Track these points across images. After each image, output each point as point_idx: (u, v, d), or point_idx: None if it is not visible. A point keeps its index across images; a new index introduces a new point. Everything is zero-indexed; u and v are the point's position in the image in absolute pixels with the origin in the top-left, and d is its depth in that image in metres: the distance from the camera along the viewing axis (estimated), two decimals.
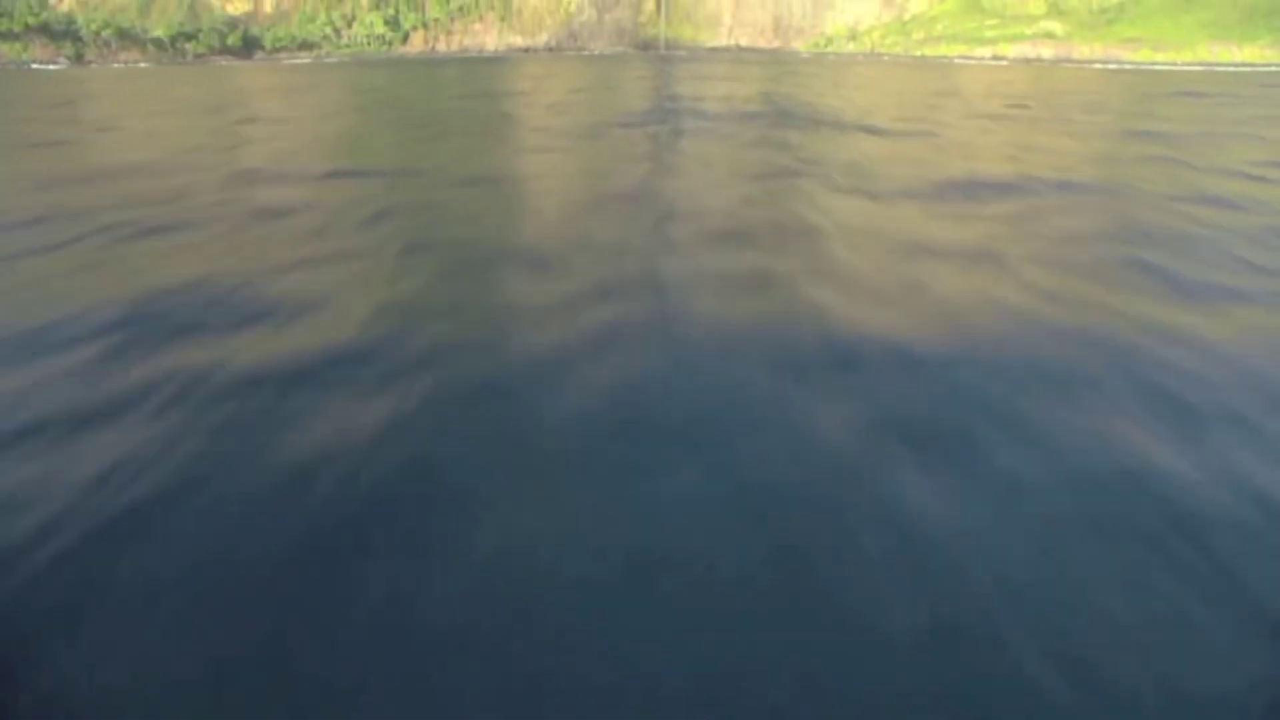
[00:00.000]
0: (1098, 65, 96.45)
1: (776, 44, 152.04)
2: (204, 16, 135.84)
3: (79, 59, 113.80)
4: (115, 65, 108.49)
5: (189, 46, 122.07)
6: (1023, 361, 5.96)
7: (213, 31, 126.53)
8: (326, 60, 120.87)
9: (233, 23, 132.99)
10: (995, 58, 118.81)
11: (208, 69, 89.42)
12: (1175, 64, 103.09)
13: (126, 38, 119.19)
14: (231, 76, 63.26)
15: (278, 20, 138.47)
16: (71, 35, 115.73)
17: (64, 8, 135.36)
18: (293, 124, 24.28)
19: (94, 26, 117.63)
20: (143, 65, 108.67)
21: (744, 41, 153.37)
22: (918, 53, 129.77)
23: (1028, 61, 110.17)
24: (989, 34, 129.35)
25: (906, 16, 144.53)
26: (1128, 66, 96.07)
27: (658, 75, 53.08)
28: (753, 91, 37.19)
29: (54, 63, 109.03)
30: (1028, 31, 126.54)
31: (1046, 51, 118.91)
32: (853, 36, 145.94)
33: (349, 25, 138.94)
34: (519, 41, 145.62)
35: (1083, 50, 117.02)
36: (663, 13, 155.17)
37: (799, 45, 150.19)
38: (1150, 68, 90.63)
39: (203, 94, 39.58)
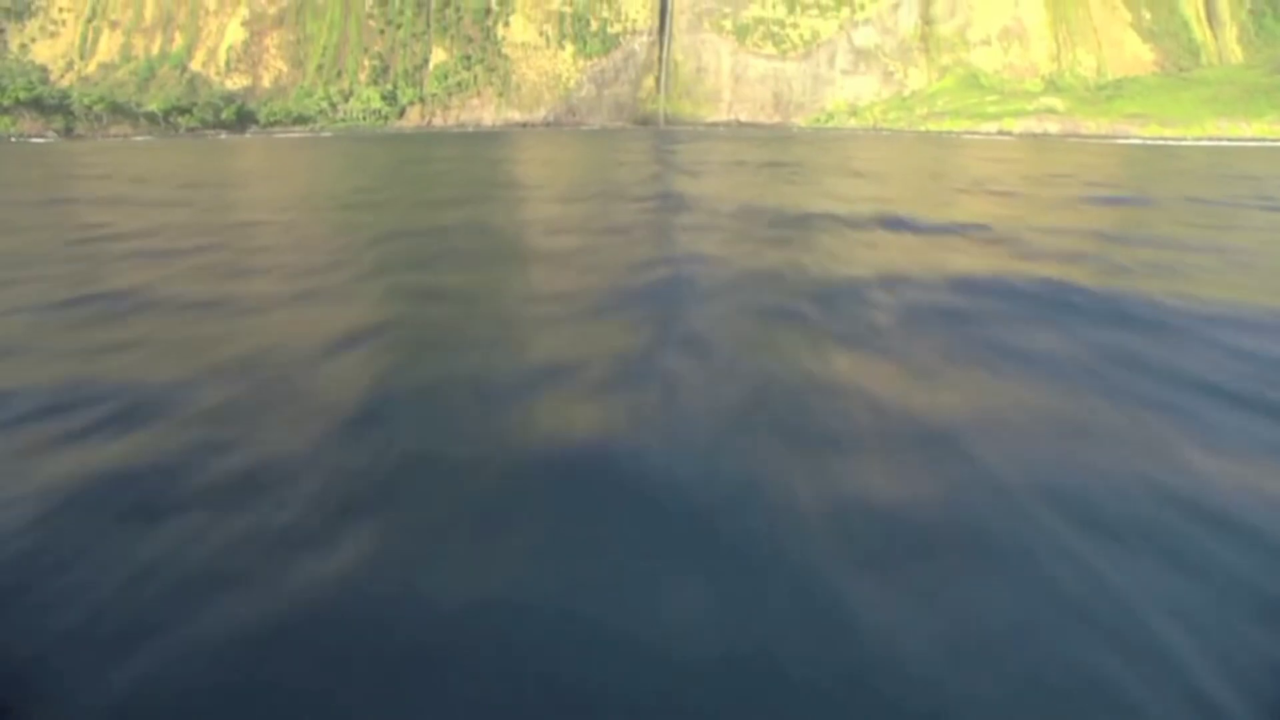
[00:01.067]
0: (1118, 141, 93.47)
1: (777, 119, 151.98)
2: (202, 91, 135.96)
3: (68, 132, 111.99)
4: (107, 139, 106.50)
5: (181, 120, 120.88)
6: None
7: (208, 105, 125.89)
8: (321, 135, 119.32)
9: (229, 97, 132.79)
10: (1001, 133, 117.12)
11: (201, 143, 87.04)
12: (1185, 139, 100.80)
13: (119, 111, 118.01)
14: (218, 152, 59.33)
15: (276, 95, 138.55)
16: (63, 109, 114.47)
17: (64, 83, 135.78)
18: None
19: (88, 100, 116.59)
20: (137, 139, 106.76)
21: (744, 117, 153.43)
22: (921, 128, 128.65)
23: (1034, 137, 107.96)
24: (990, 109, 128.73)
25: (906, 93, 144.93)
26: (1135, 141, 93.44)
27: (657, 162, 44.67)
28: (785, 200, 20.45)
29: (41, 136, 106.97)
30: (1029, 107, 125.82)
31: (1052, 126, 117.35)
32: (853, 112, 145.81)
33: (345, 100, 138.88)
34: (516, 116, 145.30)
35: (1089, 125, 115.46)
36: (662, 88, 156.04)
37: (799, 120, 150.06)
38: (1176, 144, 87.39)
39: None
